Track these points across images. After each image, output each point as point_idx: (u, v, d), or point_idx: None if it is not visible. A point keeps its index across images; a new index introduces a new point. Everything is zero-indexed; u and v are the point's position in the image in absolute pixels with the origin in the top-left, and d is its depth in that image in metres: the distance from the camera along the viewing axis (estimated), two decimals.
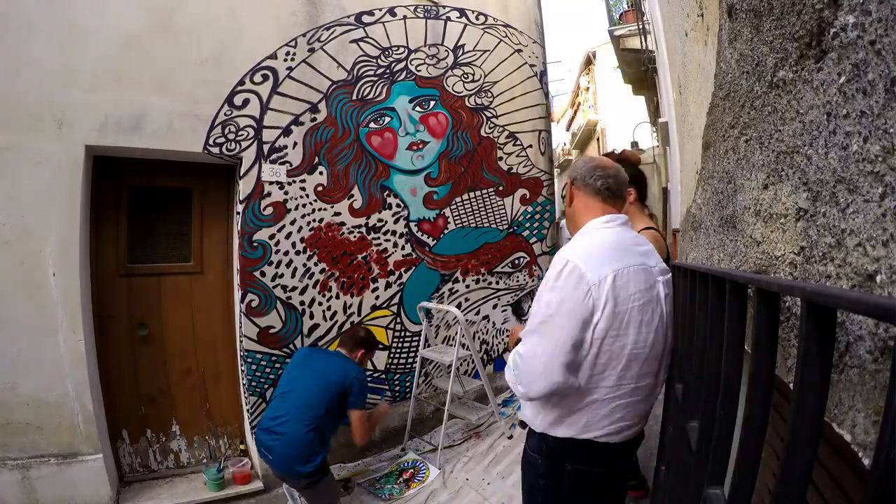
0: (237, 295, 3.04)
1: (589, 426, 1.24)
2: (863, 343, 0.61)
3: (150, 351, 2.95)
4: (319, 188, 3.25)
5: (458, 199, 3.85)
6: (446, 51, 3.82)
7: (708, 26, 1.52)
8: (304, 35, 3.22)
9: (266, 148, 3.06)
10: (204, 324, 3.12)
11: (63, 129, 2.50)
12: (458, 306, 3.76)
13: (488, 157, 4.00)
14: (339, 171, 3.32)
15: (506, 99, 4.09)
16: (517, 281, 4.13)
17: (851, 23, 0.60)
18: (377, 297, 3.47)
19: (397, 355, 3.55)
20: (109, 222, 2.88)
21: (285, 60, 3.14)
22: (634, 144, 10.53)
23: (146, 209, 3.00)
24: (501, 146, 4.06)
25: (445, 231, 3.79)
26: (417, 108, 3.67)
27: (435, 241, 3.73)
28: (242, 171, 2.99)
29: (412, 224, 3.63)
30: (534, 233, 4.21)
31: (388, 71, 3.55)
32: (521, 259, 4.15)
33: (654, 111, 7.78)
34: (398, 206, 3.56)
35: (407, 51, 3.64)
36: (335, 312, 3.30)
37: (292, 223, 3.14)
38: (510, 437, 3.24)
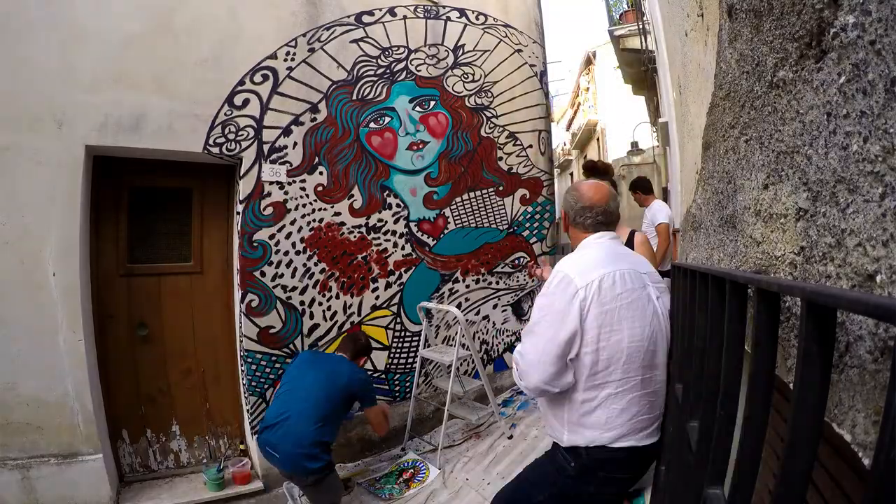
0: (237, 295, 3.04)
1: (610, 424, 1.30)
2: (863, 343, 0.61)
3: (150, 351, 2.95)
4: (319, 188, 3.25)
5: (458, 199, 3.85)
6: (446, 51, 3.82)
7: (708, 26, 1.52)
8: (304, 35, 3.22)
9: (266, 148, 3.06)
10: (204, 324, 3.12)
11: (63, 129, 2.50)
12: (458, 306, 3.76)
13: (488, 157, 4.00)
14: (339, 171, 3.32)
15: (506, 99, 4.09)
16: (517, 281, 4.13)
17: (851, 23, 0.60)
18: (377, 297, 3.47)
19: (397, 355, 3.55)
20: (109, 222, 2.88)
21: (285, 60, 3.14)
22: (634, 144, 10.53)
23: (146, 209, 3.00)
24: (501, 146, 4.06)
25: (445, 231, 3.79)
26: (417, 108, 3.67)
27: (435, 241, 3.73)
28: (242, 171, 2.99)
29: (412, 224, 3.63)
30: (534, 233, 4.21)
31: (388, 71, 3.55)
32: (522, 259, 4.15)
33: (654, 111, 7.79)
34: (398, 206, 3.56)
35: (407, 51, 3.63)
36: (335, 312, 3.30)
37: (292, 223, 3.14)
38: (510, 438, 3.23)
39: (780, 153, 0.89)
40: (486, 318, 3.99)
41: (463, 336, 3.20)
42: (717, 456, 0.79)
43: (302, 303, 3.17)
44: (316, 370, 2.46)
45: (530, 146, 4.22)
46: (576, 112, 21.42)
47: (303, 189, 3.18)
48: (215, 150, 2.91)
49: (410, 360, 3.58)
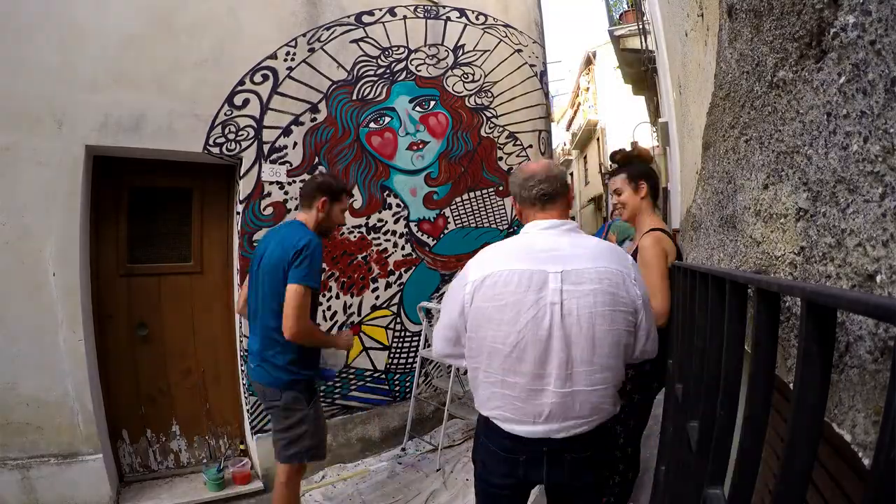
0: (237, 295, 3.04)
1: (481, 402, 1.38)
2: (863, 343, 0.61)
3: (150, 351, 2.95)
4: None
5: (459, 199, 3.85)
6: (446, 51, 3.82)
7: (708, 26, 1.52)
8: (304, 35, 3.22)
9: (266, 148, 3.06)
10: (204, 324, 3.12)
11: (63, 129, 2.50)
12: None
13: (488, 157, 4.00)
14: (339, 171, 3.32)
15: (506, 99, 4.09)
16: None
17: (851, 23, 0.60)
18: (377, 297, 3.47)
19: (397, 355, 3.56)
20: (109, 222, 2.87)
21: (285, 60, 3.14)
22: (634, 144, 10.52)
23: (146, 209, 3.00)
24: (501, 146, 4.06)
25: (445, 231, 3.79)
26: (417, 108, 3.67)
27: (435, 241, 3.73)
28: (242, 171, 2.99)
29: (412, 224, 3.63)
30: None
31: (388, 71, 3.55)
32: None
33: (654, 111, 7.79)
34: (398, 206, 3.56)
35: (407, 51, 3.64)
36: (335, 312, 3.30)
37: None
38: None
39: (780, 153, 0.89)
40: None
41: None
42: (717, 456, 0.80)
43: None
44: (272, 245, 2.01)
45: (530, 146, 4.22)
46: (576, 112, 21.42)
47: None
48: (215, 150, 2.91)
49: (410, 360, 3.58)
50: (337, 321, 3.30)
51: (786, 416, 0.58)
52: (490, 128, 4.01)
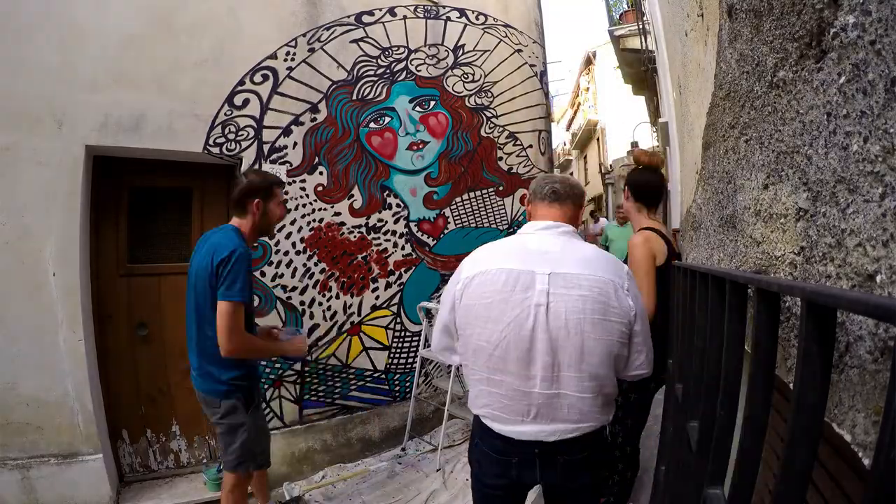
0: None
1: (472, 400, 1.39)
2: (863, 343, 0.61)
3: (150, 351, 2.95)
4: (319, 188, 3.25)
5: (459, 199, 3.85)
6: (446, 51, 3.82)
7: (708, 26, 1.52)
8: (304, 35, 3.22)
9: (266, 148, 3.06)
10: None
11: (63, 129, 2.50)
12: None
13: (488, 157, 4.00)
14: (339, 171, 3.32)
15: (506, 99, 4.09)
16: None
17: (851, 23, 0.60)
18: (377, 297, 3.47)
19: (397, 355, 3.56)
20: (109, 222, 2.87)
21: (285, 60, 3.14)
22: (634, 144, 10.53)
23: (146, 209, 3.00)
24: (501, 146, 4.06)
25: (445, 231, 3.79)
26: (417, 108, 3.67)
27: (435, 241, 3.73)
28: (242, 170, 2.99)
29: (412, 224, 3.63)
30: None
31: (388, 71, 3.55)
32: None
33: (654, 111, 7.79)
34: (398, 206, 3.56)
35: (407, 51, 3.64)
36: (335, 312, 3.30)
37: (292, 223, 3.14)
38: None
39: (780, 153, 0.89)
40: None
41: None
42: (717, 456, 0.80)
43: (302, 303, 3.17)
44: (201, 253, 1.93)
45: (530, 146, 4.22)
46: (576, 112, 21.43)
47: (303, 189, 3.18)
48: (215, 150, 2.91)
49: (410, 360, 3.58)
50: (337, 321, 3.30)
51: (786, 416, 0.58)
52: (490, 128, 4.01)
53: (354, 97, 3.40)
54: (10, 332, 2.37)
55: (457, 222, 3.84)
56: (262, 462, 2.11)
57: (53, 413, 2.44)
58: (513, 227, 4.10)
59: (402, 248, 3.58)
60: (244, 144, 2.99)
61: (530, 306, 1.24)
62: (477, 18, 3.98)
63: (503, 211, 4.07)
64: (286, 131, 3.13)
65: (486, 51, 3.99)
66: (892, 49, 0.53)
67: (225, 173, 3.15)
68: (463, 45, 3.90)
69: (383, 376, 3.49)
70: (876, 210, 0.58)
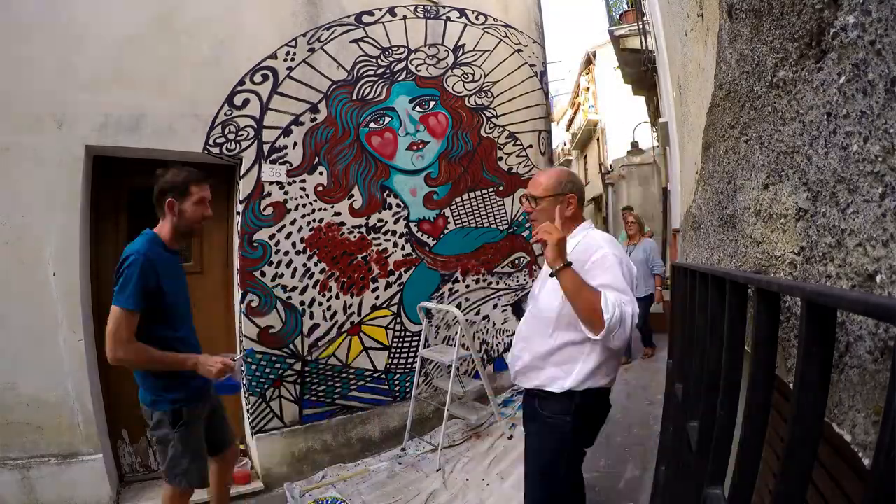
0: (237, 295, 3.04)
1: (608, 373, 1.59)
2: (863, 343, 0.61)
3: None
4: (319, 188, 3.25)
5: (458, 199, 3.85)
6: (446, 51, 3.82)
7: (708, 26, 1.52)
8: (304, 35, 3.22)
9: (266, 148, 3.06)
10: (204, 324, 3.11)
11: (63, 129, 2.50)
12: (458, 306, 3.76)
13: (488, 157, 4.00)
14: (339, 171, 3.32)
15: (506, 99, 4.09)
16: (517, 281, 4.13)
17: (851, 23, 0.60)
18: (377, 297, 3.47)
19: (397, 355, 3.55)
20: (109, 222, 2.87)
21: (285, 60, 3.14)
22: (634, 144, 10.53)
23: (146, 209, 2.99)
24: (501, 146, 4.06)
25: (445, 231, 3.79)
26: (417, 108, 3.67)
27: (435, 241, 3.73)
28: (242, 171, 2.99)
29: (412, 224, 3.63)
30: None
31: (388, 71, 3.55)
32: (521, 259, 4.15)
33: (654, 111, 7.79)
34: (398, 206, 3.56)
35: (407, 51, 3.63)
36: (335, 312, 3.30)
37: (292, 223, 3.14)
38: (510, 437, 3.24)
39: (780, 153, 0.89)
40: (486, 318, 3.98)
41: (463, 336, 3.20)
42: (717, 456, 0.80)
43: (302, 303, 3.17)
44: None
45: (530, 146, 4.22)
46: (576, 112, 21.41)
47: (303, 189, 3.18)
48: (215, 150, 2.91)
49: (410, 360, 3.58)
50: (337, 321, 3.30)
51: (786, 416, 0.58)
52: (490, 128, 4.01)
53: (354, 97, 3.40)
54: (10, 332, 2.37)
55: (457, 222, 3.84)
56: (193, 481, 1.89)
57: (53, 413, 2.44)
58: (513, 227, 4.10)
59: (402, 248, 3.58)
60: (244, 144, 2.99)
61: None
62: (477, 18, 3.98)
63: (503, 211, 4.06)
64: (286, 131, 3.13)
65: (486, 51, 3.99)
66: (892, 49, 0.53)
67: (225, 173, 3.15)
68: (463, 45, 3.90)
69: (383, 376, 3.49)
70: (876, 210, 0.58)
